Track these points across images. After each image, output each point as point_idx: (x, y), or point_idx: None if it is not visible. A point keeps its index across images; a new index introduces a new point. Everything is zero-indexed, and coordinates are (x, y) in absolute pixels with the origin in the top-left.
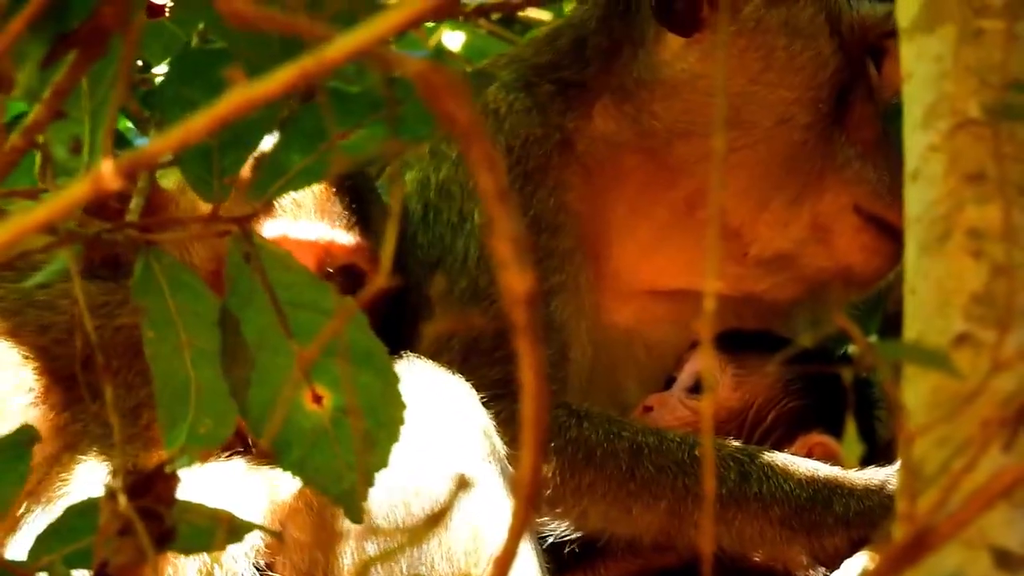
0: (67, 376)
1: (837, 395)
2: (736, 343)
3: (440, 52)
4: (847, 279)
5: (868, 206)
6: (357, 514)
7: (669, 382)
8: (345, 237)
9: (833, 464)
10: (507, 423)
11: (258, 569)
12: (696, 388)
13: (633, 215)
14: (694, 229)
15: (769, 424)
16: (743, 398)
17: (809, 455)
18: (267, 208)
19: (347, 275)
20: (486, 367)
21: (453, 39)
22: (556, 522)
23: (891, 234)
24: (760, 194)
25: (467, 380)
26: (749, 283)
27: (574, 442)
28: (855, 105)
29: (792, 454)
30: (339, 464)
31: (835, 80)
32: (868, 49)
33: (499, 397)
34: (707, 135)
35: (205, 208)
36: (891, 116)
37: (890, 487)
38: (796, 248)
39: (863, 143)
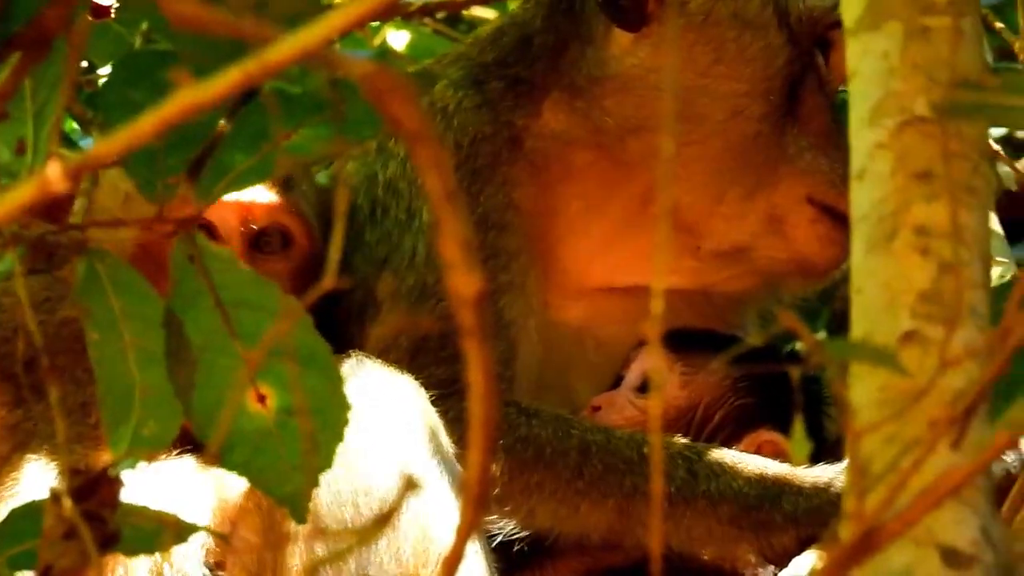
0: (16, 374)
1: (785, 393)
2: (683, 342)
3: (385, 51)
4: (803, 270)
5: (821, 196)
6: (302, 515)
7: (617, 381)
8: (266, 195)
9: (782, 461)
10: (455, 422)
11: (209, 569)
12: (644, 387)
13: (585, 212)
14: (648, 225)
15: (717, 422)
16: (691, 397)
17: (757, 453)
18: None
19: (274, 236)
20: (433, 366)
21: (398, 38)
22: (504, 520)
23: (845, 223)
24: (714, 188)
25: (415, 379)
26: (704, 276)
27: (523, 440)
28: (806, 96)
29: (742, 450)
30: (284, 465)
31: (786, 72)
32: (817, 40)
33: (447, 396)
34: (659, 130)
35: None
36: (838, 109)
37: (838, 485)
38: (751, 240)
39: (815, 134)
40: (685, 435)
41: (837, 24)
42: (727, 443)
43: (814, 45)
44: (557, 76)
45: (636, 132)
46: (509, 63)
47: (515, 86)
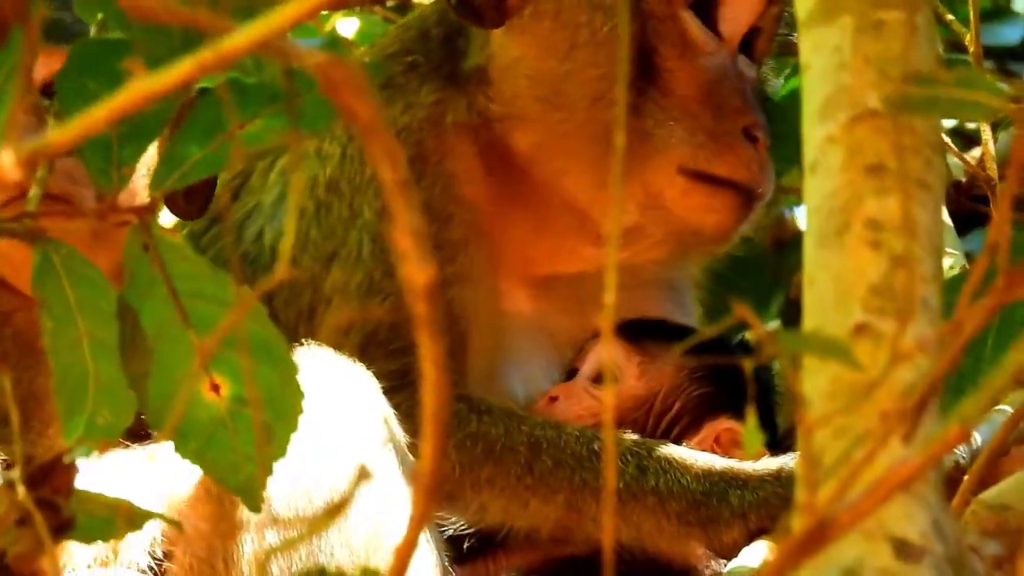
0: None
1: (741, 382)
2: (638, 332)
3: (335, 39)
4: (696, 239)
5: (692, 164)
6: (256, 503)
7: (572, 373)
8: None
9: (740, 449)
10: (406, 414)
11: (156, 559)
12: (600, 378)
13: (506, 203)
14: (551, 214)
15: (676, 411)
16: (649, 386)
17: (717, 440)
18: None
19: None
20: (383, 360)
21: (347, 25)
22: (456, 515)
23: (726, 185)
24: (595, 174)
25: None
26: (584, 265)
27: (473, 436)
28: (664, 66)
29: (700, 440)
30: (237, 454)
31: (635, 47)
32: (688, 5)
33: (397, 388)
34: (538, 120)
35: None
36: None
37: (785, 476)
38: (639, 218)
39: (682, 102)
40: (644, 424)
41: None
42: (687, 431)
43: (682, 10)
44: (451, 68)
45: (520, 121)
46: (412, 52)
47: (422, 76)
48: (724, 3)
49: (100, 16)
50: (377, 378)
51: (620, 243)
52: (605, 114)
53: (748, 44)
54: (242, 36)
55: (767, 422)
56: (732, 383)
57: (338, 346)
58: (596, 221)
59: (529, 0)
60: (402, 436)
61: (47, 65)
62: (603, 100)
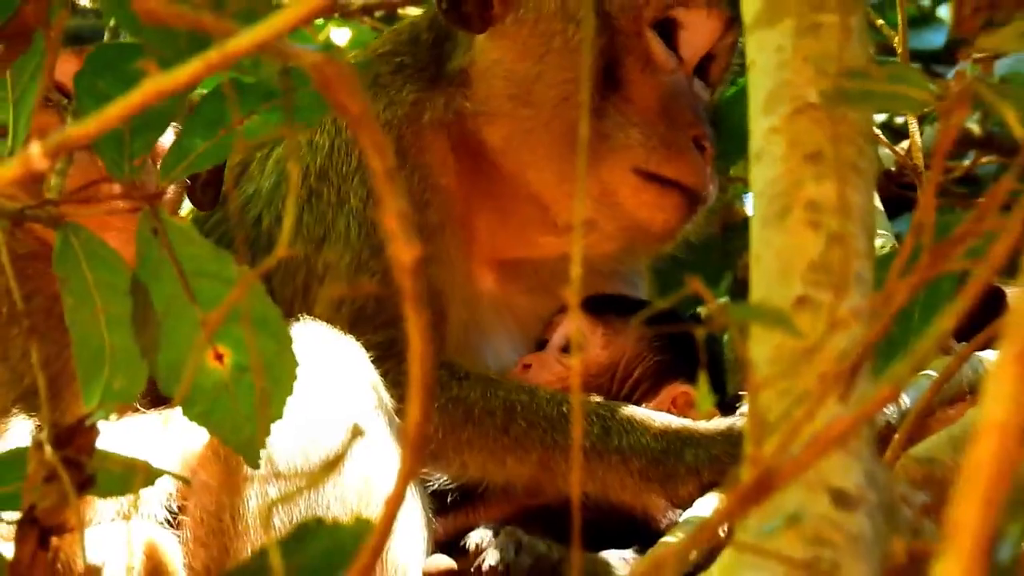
0: None
1: (695, 350)
2: (602, 306)
3: (329, 46)
4: (644, 235)
5: (645, 166)
6: (255, 460)
7: (542, 344)
8: None
9: (694, 411)
10: (393, 381)
11: (171, 512)
12: (568, 347)
13: (477, 193)
14: (518, 204)
15: (637, 377)
16: (612, 355)
17: (674, 403)
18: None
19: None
20: (371, 332)
21: (340, 34)
22: (439, 472)
23: (674, 187)
24: (557, 169)
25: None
26: (566, 248)
27: (454, 401)
28: (629, 76)
29: (659, 402)
30: (239, 416)
31: (603, 58)
32: (652, 24)
33: (384, 358)
34: (509, 116)
35: None
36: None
37: (734, 434)
38: (594, 213)
39: (640, 109)
40: (609, 388)
41: (670, 6)
42: (647, 395)
43: (647, 28)
44: (436, 68)
45: (491, 118)
46: (401, 53)
47: (406, 76)
48: (684, 28)
49: (111, 22)
50: (366, 348)
51: (550, 247)
52: (569, 113)
53: (704, 69)
54: (243, 39)
55: (718, 386)
56: (686, 352)
57: (331, 320)
58: (555, 212)
59: (511, 9)
60: (389, 401)
61: (61, 67)
62: (568, 101)
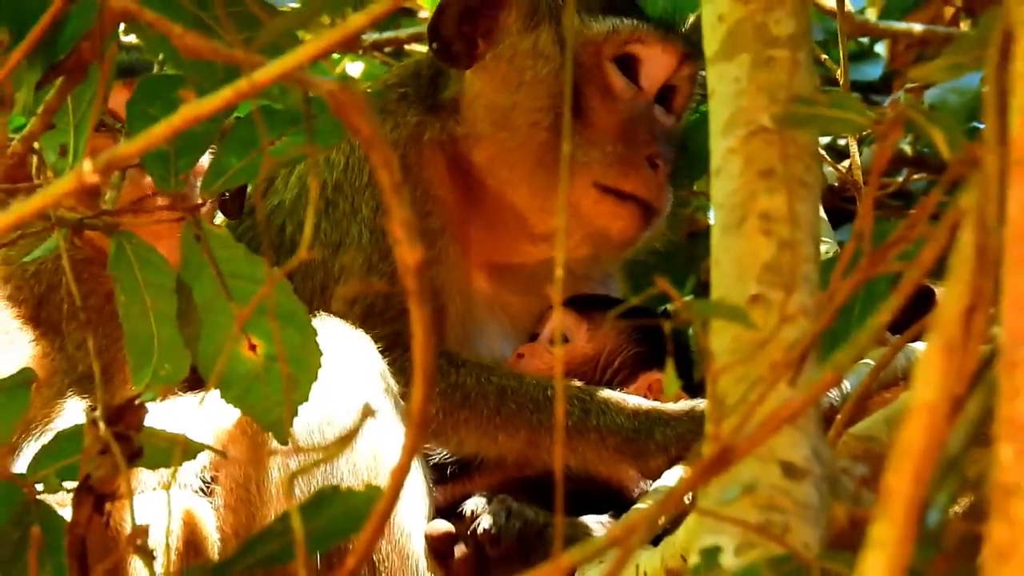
0: (59, 324)
1: (666, 340)
2: (586, 304)
3: (344, 77)
4: (606, 243)
5: (604, 181)
6: (283, 437)
7: (534, 336)
8: None
9: (676, 399)
10: (399, 369)
11: (204, 482)
12: (554, 341)
13: (469, 205)
14: (500, 218)
15: (617, 366)
16: (596, 347)
17: (649, 388)
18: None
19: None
20: (380, 326)
21: (354, 68)
22: (440, 448)
23: (630, 200)
24: (530, 185)
25: (367, 335)
26: (542, 254)
27: (452, 386)
28: (588, 104)
29: (636, 388)
30: (269, 399)
31: (558, 86)
32: (613, 58)
33: (391, 348)
34: (490, 139)
35: None
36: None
37: (697, 414)
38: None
39: (600, 132)
40: (592, 376)
41: (627, 42)
42: (626, 382)
43: (606, 63)
44: (433, 98)
45: (476, 141)
46: (405, 85)
47: (409, 103)
48: (642, 62)
49: (160, 56)
50: (375, 340)
51: (548, 243)
52: (539, 137)
53: (667, 98)
54: (270, 70)
55: (686, 374)
56: (660, 344)
57: (345, 315)
58: (532, 224)
59: (492, 47)
60: (395, 386)
61: (114, 97)
62: (538, 126)
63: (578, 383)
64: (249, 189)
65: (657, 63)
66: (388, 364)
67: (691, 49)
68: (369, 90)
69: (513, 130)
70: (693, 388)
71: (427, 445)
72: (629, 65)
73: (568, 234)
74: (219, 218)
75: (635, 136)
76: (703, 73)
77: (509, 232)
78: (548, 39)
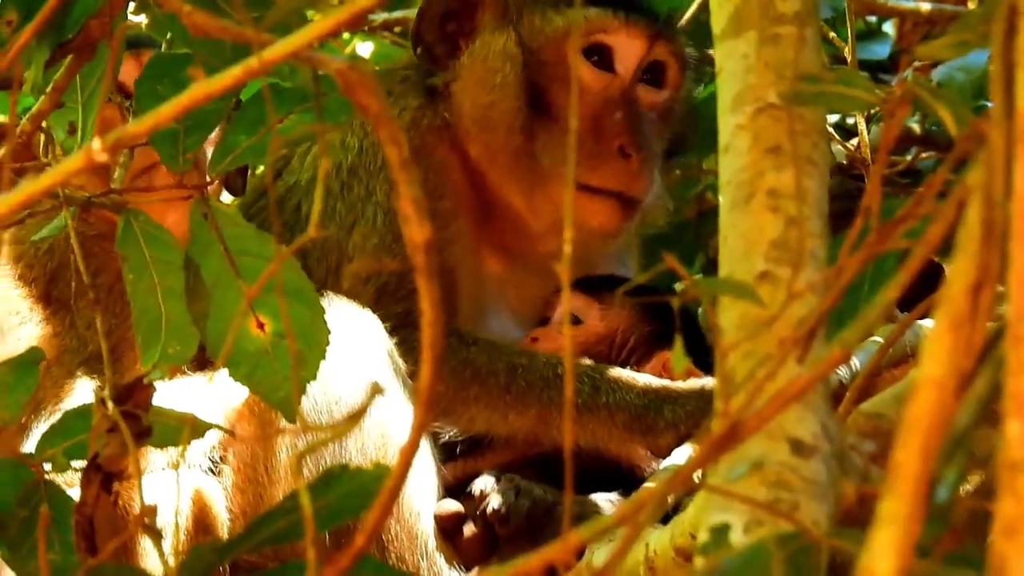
0: (61, 307)
1: (682, 321)
2: (596, 285)
3: (354, 57)
4: (591, 235)
5: (576, 178)
6: (291, 416)
7: (545, 320)
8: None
9: (688, 375)
10: (412, 345)
11: (213, 462)
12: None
13: (475, 190)
14: (498, 210)
15: (632, 345)
16: (609, 326)
17: (664, 367)
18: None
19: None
20: (393, 304)
21: (364, 48)
22: (450, 426)
23: (604, 193)
24: (518, 186)
25: (378, 314)
26: (545, 247)
27: (463, 362)
28: (553, 101)
29: (651, 367)
30: (277, 377)
31: (530, 87)
32: (583, 49)
33: (403, 326)
34: (476, 138)
35: None
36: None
37: (707, 392)
38: (556, 218)
39: (566, 130)
40: (607, 355)
41: (591, 35)
42: (641, 361)
43: (573, 56)
44: (434, 86)
45: (467, 134)
46: (407, 70)
47: (410, 87)
48: (614, 48)
49: (168, 35)
50: (389, 318)
51: (545, 239)
52: (515, 139)
53: (657, 74)
54: (279, 48)
55: (701, 352)
56: (674, 323)
57: (358, 294)
58: (526, 221)
59: (466, 48)
60: (403, 365)
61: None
62: (512, 128)
63: (589, 361)
64: (260, 168)
65: (626, 48)
66: (400, 342)
67: (660, 28)
68: (377, 71)
69: (493, 131)
70: (708, 366)
71: (437, 423)
72: (602, 52)
73: (555, 232)
74: (225, 196)
75: (604, 128)
76: (712, 51)
77: (511, 222)
78: (513, 40)
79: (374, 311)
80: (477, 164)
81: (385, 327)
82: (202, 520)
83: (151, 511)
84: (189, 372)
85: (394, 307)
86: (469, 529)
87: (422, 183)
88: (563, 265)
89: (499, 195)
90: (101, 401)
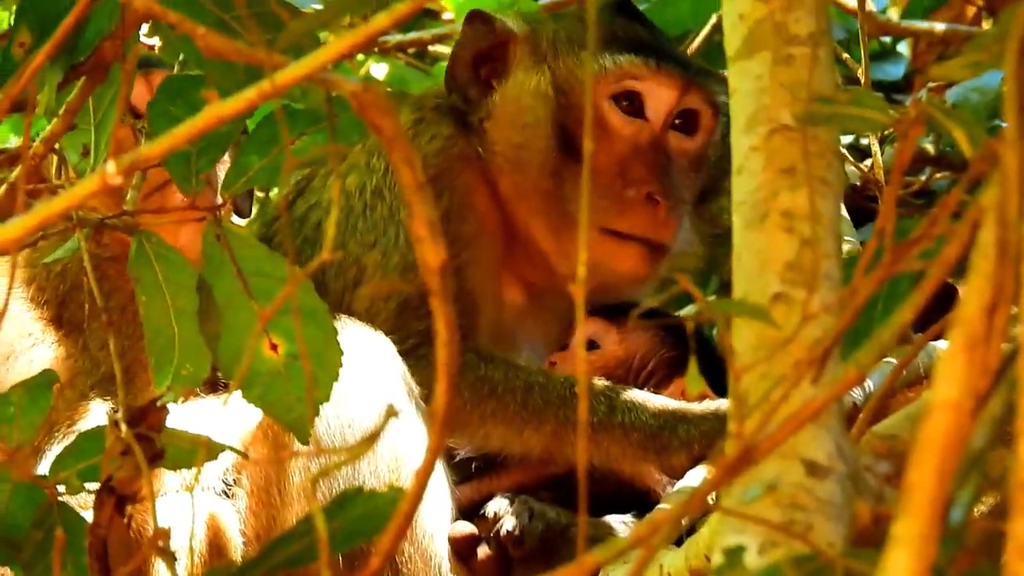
0: (81, 324)
1: (702, 347)
2: (614, 312)
3: (368, 78)
4: (620, 280)
5: (603, 223)
6: (304, 437)
7: (564, 346)
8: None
9: (703, 397)
10: (431, 364)
11: (227, 484)
12: (587, 346)
13: (502, 221)
14: (522, 243)
15: (651, 369)
16: (628, 350)
17: (683, 394)
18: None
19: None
20: (414, 321)
21: (378, 69)
22: (466, 442)
23: (631, 239)
24: (546, 225)
25: (399, 332)
26: (563, 286)
27: (480, 379)
28: (581, 138)
29: (670, 392)
30: (291, 398)
31: (561, 130)
32: (612, 96)
33: (424, 343)
34: (509, 174)
35: None
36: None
37: (721, 413)
38: (575, 263)
39: (598, 174)
40: (626, 379)
41: (622, 81)
42: (659, 385)
43: (603, 102)
44: (466, 113)
45: (500, 169)
46: (442, 96)
47: (444, 114)
48: (644, 96)
49: (181, 57)
50: (409, 335)
51: (565, 282)
52: (548, 180)
53: (689, 121)
54: (293, 71)
55: (716, 377)
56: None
57: (376, 310)
58: (553, 261)
59: (499, 89)
60: (416, 388)
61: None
62: (544, 169)
63: (604, 381)
64: (275, 190)
65: (656, 96)
66: (420, 358)
67: (692, 76)
68: (410, 96)
69: (524, 171)
70: (723, 389)
71: (453, 440)
72: (632, 99)
73: (591, 273)
74: (234, 217)
75: (634, 174)
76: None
77: (536, 257)
78: (546, 80)
79: (395, 328)
80: (507, 199)
81: (407, 344)
82: (216, 543)
83: (165, 534)
84: (202, 394)
85: (416, 324)
86: (483, 551)
87: (445, 206)
88: (578, 286)
89: (527, 231)
90: (114, 423)
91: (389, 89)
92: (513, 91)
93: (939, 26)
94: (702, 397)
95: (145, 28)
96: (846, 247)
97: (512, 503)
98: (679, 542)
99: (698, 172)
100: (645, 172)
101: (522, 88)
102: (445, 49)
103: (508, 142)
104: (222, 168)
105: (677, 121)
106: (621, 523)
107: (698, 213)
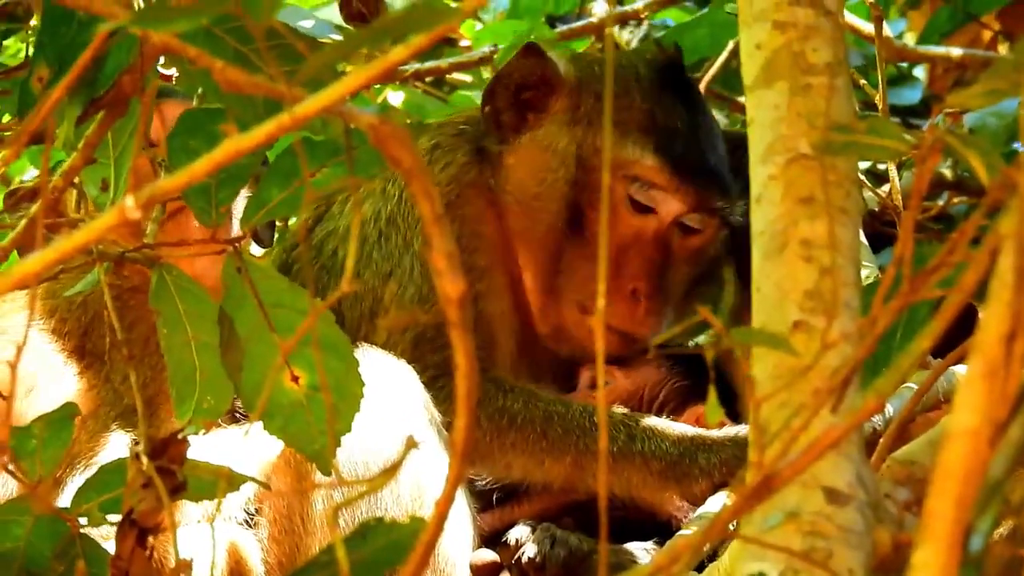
0: (96, 360)
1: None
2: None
3: (385, 107)
4: (589, 353)
5: (585, 304)
6: (327, 468)
7: (573, 388)
8: None
9: (722, 424)
10: (449, 395)
11: (249, 514)
12: (594, 384)
13: (507, 251)
14: (544, 271)
15: (663, 399)
16: (636, 382)
17: (697, 421)
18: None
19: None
20: (431, 353)
21: (395, 97)
22: (487, 472)
23: (608, 329)
24: (539, 282)
25: (415, 364)
26: (544, 340)
27: (500, 410)
28: (589, 228)
29: (684, 421)
30: (312, 429)
31: (572, 204)
32: (629, 177)
33: (442, 375)
34: (518, 216)
35: None
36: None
37: (741, 440)
38: (563, 323)
39: (592, 257)
40: (639, 410)
41: (640, 177)
42: (673, 414)
43: (619, 179)
44: (490, 152)
45: (510, 207)
46: (462, 124)
47: (462, 141)
48: (658, 202)
49: (200, 90)
50: (426, 367)
51: (546, 337)
52: (552, 241)
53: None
54: (312, 104)
55: (729, 401)
56: (705, 377)
57: (393, 343)
58: (536, 317)
59: (526, 134)
60: (438, 416)
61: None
62: (552, 228)
63: (624, 410)
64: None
65: (669, 205)
66: (438, 390)
67: (707, 193)
68: (433, 122)
69: (533, 221)
70: (735, 418)
71: (474, 470)
72: (648, 196)
73: (554, 337)
74: (254, 248)
75: (626, 267)
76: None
77: (526, 297)
78: (573, 147)
79: (412, 360)
80: (512, 233)
81: (423, 377)
82: (238, 573)
83: (187, 566)
84: (224, 425)
85: (432, 356)
86: None
87: (456, 235)
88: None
89: (522, 272)
90: (136, 455)
91: (408, 120)
92: (543, 141)
93: (955, 51)
94: (720, 424)
95: (161, 59)
96: (865, 272)
97: (534, 530)
98: (700, 568)
99: (696, 266)
100: (637, 267)
101: (551, 144)
102: (463, 77)
103: (523, 188)
104: (240, 197)
105: (684, 221)
106: (643, 550)
107: (689, 297)
